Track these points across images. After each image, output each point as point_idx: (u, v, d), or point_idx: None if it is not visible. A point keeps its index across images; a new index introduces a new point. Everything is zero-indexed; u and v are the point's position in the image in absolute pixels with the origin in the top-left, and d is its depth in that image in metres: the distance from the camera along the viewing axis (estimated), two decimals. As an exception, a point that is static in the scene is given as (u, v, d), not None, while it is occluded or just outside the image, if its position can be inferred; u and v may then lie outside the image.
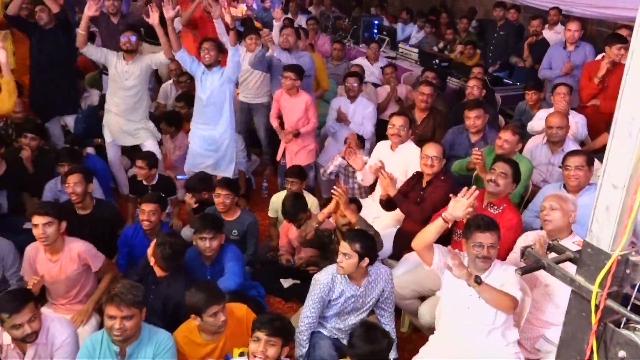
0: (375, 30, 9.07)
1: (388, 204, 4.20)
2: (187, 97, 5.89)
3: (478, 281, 2.87)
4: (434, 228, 3.14)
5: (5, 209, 4.79)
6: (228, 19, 4.96)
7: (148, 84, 5.45)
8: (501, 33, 7.94)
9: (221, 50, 5.07)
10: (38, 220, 3.50)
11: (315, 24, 8.26)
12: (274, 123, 5.50)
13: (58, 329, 3.06)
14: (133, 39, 5.07)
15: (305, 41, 6.89)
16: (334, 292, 3.28)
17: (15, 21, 5.53)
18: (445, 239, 3.58)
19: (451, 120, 5.29)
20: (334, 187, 3.83)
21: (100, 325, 3.46)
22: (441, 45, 8.62)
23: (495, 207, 3.75)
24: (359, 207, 4.12)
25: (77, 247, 3.66)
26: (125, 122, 5.29)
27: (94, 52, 5.17)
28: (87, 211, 4.20)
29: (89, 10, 4.91)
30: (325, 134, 5.98)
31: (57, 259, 3.63)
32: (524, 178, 4.11)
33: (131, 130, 5.33)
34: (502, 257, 3.45)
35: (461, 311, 3.09)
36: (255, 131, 6.35)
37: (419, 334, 3.87)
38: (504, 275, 3.04)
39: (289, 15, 9.00)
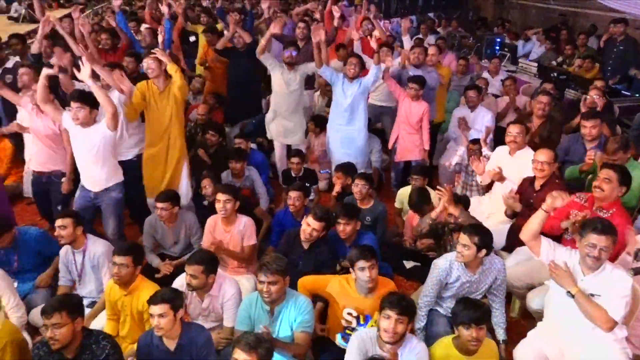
0: (497, 47, 8.58)
1: (512, 213, 4.01)
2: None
3: (569, 296, 2.78)
4: (537, 219, 2.97)
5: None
6: (374, 45, 5.07)
7: (304, 89, 5.52)
8: (620, 48, 7.13)
9: (363, 65, 5.11)
10: (221, 197, 3.76)
11: (444, 42, 7.99)
12: None
13: (228, 286, 3.28)
14: (294, 53, 5.23)
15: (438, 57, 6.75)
16: (451, 277, 3.18)
17: (220, 50, 6.02)
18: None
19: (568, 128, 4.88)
20: (438, 187, 3.72)
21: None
22: (560, 59, 7.93)
23: (605, 211, 3.37)
24: (467, 204, 3.94)
25: (244, 222, 3.89)
26: (286, 122, 5.45)
27: (268, 59, 5.30)
28: None
29: (274, 29, 5.16)
30: (447, 138, 5.80)
31: (229, 230, 3.89)
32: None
33: (290, 129, 5.47)
34: (611, 259, 3.11)
35: (568, 303, 2.84)
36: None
37: (527, 320, 3.62)
38: (611, 280, 2.75)
39: (420, 36, 8.81)
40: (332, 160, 5.35)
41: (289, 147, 5.70)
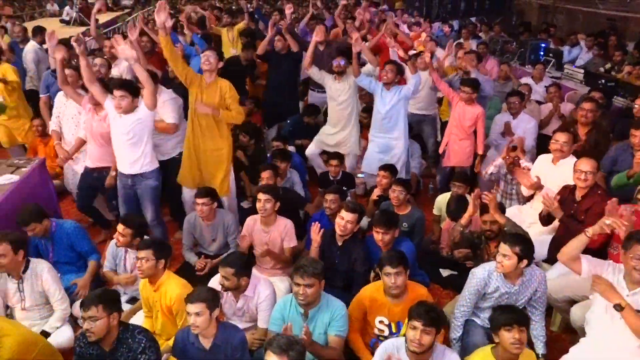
0: (542, 53, 8.35)
1: (547, 219, 3.85)
2: (369, 109, 5.92)
3: (618, 309, 2.64)
4: (578, 243, 2.88)
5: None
6: (402, 54, 5.05)
7: (357, 98, 5.46)
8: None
9: (400, 72, 5.05)
10: (261, 196, 3.81)
11: (485, 47, 7.85)
12: None
13: (263, 287, 3.29)
14: (342, 62, 5.20)
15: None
16: (489, 287, 3.09)
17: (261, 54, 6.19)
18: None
19: (616, 137, 4.68)
20: (485, 192, 3.63)
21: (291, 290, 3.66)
22: (608, 66, 7.64)
23: None
24: (502, 211, 3.84)
25: (285, 224, 3.91)
26: (338, 133, 5.39)
27: (316, 73, 5.34)
28: None
29: (317, 37, 5.21)
30: (487, 145, 5.67)
31: (268, 230, 3.92)
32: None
33: (340, 140, 5.41)
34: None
35: (612, 320, 2.73)
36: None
37: (569, 335, 3.49)
38: None
39: (461, 40, 8.67)
40: (367, 166, 5.30)
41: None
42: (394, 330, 3.12)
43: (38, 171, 4.53)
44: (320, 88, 5.91)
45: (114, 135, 4.08)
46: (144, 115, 3.97)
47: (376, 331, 3.16)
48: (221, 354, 2.85)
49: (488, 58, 7.33)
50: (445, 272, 4.18)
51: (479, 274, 3.11)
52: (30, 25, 7.93)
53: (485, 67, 6.74)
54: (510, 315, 2.63)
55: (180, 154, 4.67)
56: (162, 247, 3.32)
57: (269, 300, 3.26)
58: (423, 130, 6.19)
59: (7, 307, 3.46)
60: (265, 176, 4.38)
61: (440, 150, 5.44)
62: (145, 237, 3.73)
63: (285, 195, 4.49)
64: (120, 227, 3.60)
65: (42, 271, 3.43)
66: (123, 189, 4.24)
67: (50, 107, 5.67)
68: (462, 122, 5.12)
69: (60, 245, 3.88)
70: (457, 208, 4.09)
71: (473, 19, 11.55)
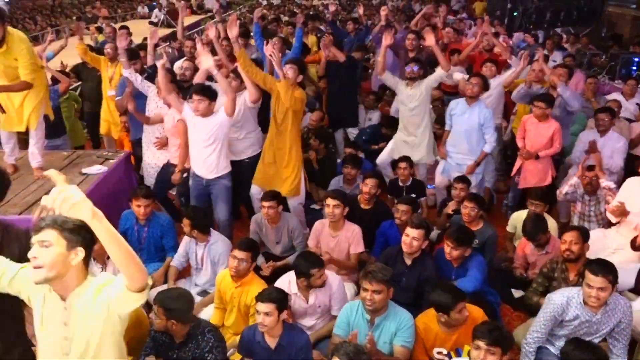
0: (634, 67, 7.80)
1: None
2: (443, 120, 5.75)
3: None
4: None
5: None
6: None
7: (429, 104, 5.28)
8: None
9: (486, 87, 4.93)
10: (330, 202, 3.82)
11: (572, 60, 7.44)
12: (519, 143, 5.04)
13: (331, 278, 3.37)
14: (415, 68, 5.07)
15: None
16: (567, 314, 2.91)
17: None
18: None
19: None
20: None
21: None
22: None
23: None
24: (587, 237, 3.56)
25: (352, 229, 3.90)
26: (410, 138, 5.24)
27: (389, 78, 5.22)
28: (369, 206, 4.37)
29: (386, 41, 5.09)
30: (569, 163, 5.36)
31: (336, 235, 3.92)
32: None
33: (412, 145, 5.25)
34: None
35: None
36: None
37: (653, 373, 3.22)
38: None
39: (545, 52, 8.29)
40: (440, 182, 5.16)
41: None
42: (453, 357, 2.99)
43: (124, 163, 4.81)
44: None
45: (192, 139, 4.25)
46: (223, 120, 4.12)
47: None
48: (286, 355, 2.88)
49: (575, 72, 6.94)
50: (517, 293, 3.98)
51: (556, 300, 2.94)
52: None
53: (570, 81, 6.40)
54: (587, 355, 2.45)
55: (250, 158, 4.78)
56: (258, 251, 3.46)
57: (341, 289, 3.37)
58: None
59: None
60: (370, 184, 4.31)
61: (514, 172, 5.19)
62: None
63: (378, 207, 4.44)
64: (184, 220, 3.82)
65: None
66: (196, 189, 4.38)
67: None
68: (539, 139, 4.83)
69: (153, 233, 4.12)
70: (532, 228, 3.87)
71: (559, 30, 11.00)
